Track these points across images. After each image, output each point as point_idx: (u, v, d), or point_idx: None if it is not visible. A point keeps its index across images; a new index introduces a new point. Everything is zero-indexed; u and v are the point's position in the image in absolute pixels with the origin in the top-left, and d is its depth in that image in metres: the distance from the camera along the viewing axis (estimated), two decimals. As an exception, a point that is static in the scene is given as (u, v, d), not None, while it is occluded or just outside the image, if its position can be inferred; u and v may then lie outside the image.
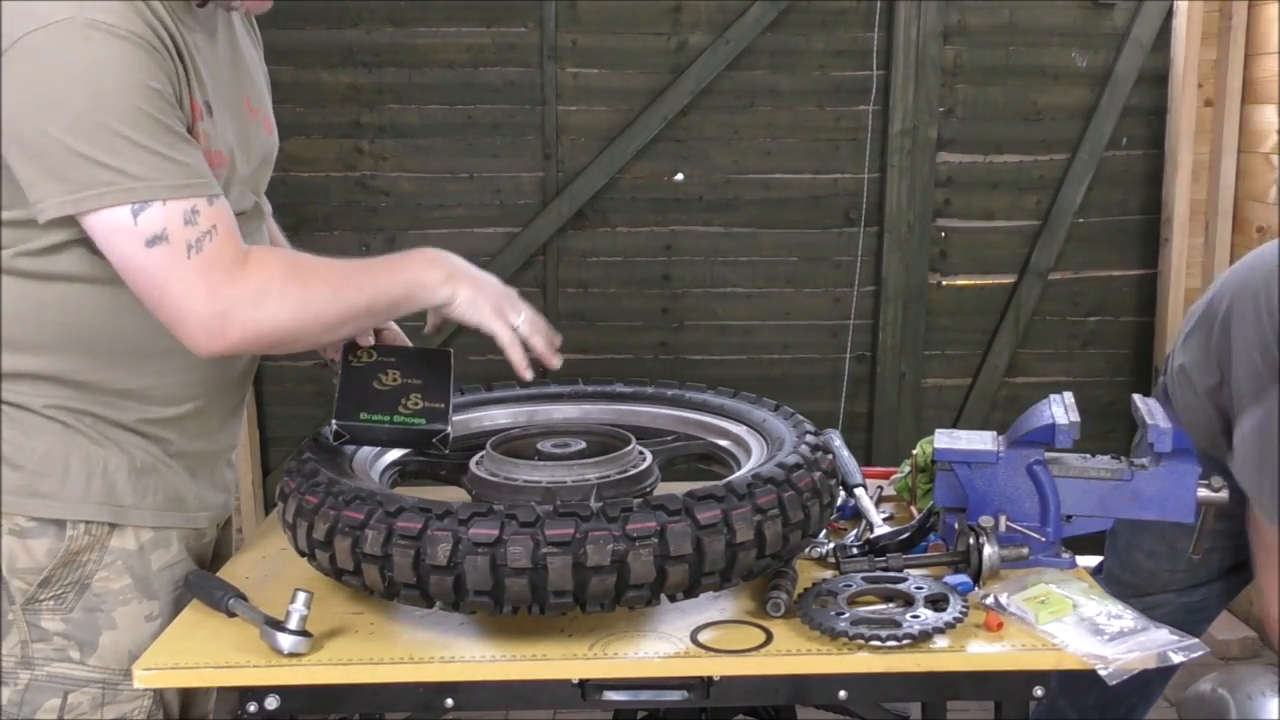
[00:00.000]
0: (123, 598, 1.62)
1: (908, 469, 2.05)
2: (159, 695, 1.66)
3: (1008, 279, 4.14)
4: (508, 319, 1.65)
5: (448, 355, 1.80)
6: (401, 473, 1.85)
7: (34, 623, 1.60)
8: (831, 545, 1.78)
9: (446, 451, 1.74)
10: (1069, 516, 1.78)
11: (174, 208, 1.43)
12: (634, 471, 1.68)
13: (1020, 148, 4.06)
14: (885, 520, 1.89)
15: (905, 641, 1.48)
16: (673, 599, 1.49)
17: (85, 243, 1.50)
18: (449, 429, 1.72)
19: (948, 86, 3.99)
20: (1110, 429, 4.11)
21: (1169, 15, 3.94)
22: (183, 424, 1.67)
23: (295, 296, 1.51)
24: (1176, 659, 1.49)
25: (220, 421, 1.74)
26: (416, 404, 1.73)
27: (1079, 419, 1.77)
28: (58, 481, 1.58)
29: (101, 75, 1.39)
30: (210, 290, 1.46)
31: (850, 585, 1.62)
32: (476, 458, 1.75)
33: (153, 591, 1.65)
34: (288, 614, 1.48)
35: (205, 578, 1.66)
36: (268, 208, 1.83)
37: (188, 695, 1.75)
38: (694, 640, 1.53)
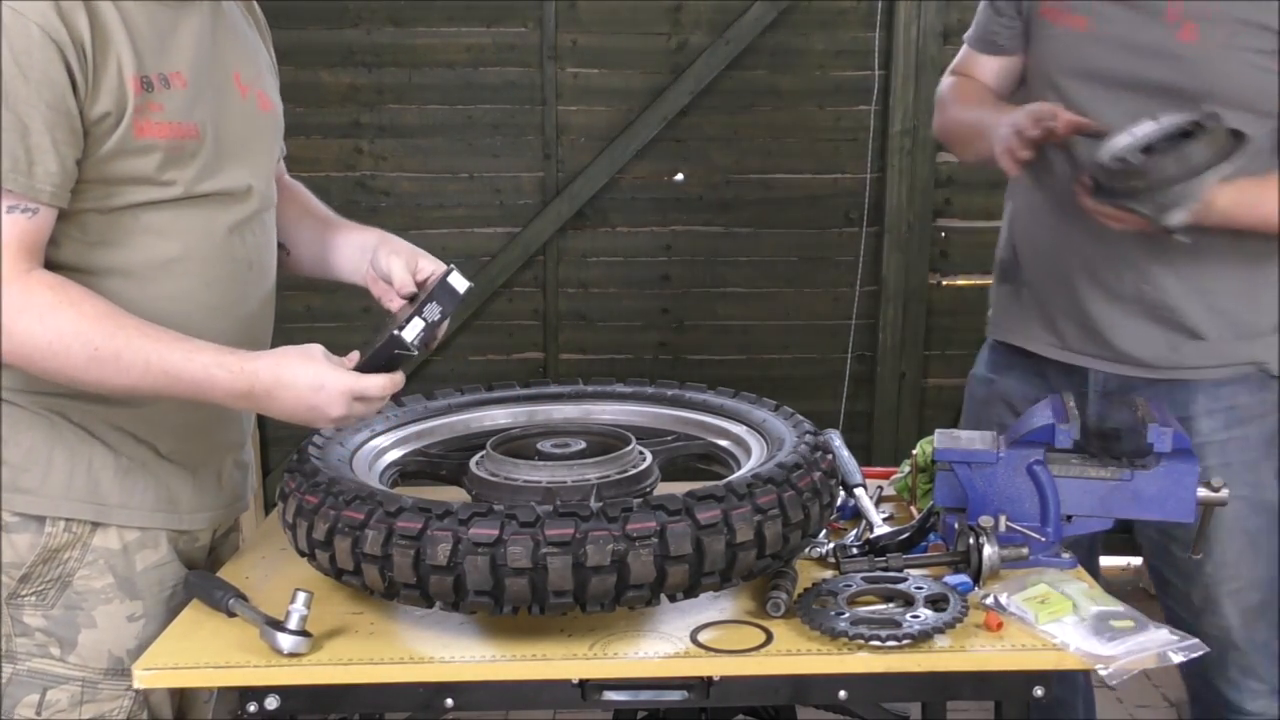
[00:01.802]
0: (104, 597, 1.62)
1: (908, 469, 2.05)
2: (144, 697, 1.64)
3: (1008, 279, 4.13)
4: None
5: (445, 271, 1.66)
6: (401, 473, 1.84)
7: (17, 617, 1.60)
8: (831, 545, 1.78)
9: (414, 352, 1.58)
10: (1069, 516, 1.78)
11: None
12: (634, 471, 1.68)
13: (1020, 148, 4.06)
14: (885, 520, 1.89)
15: (905, 641, 1.48)
16: (673, 599, 1.49)
17: (74, 235, 1.50)
18: (400, 331, 1.55)
19: (948, 86, 3.99)
20: (1110, 429, 4.10)
21: (1169, 15, 3.94)
22: (174, 423, 1.65)
23: (34, 340, 1.44)
24: (1176, 659, 1.49)
25: (215, 420, 1.71)
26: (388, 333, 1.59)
27: (1079, 419, 1.78)
28: (39, 477, 1.57)
29: None
30: None
31: (850, 585, 1.62)
32: (476, 458, 1.75)
33: (136, 592, 1.64)
34: (288, 614, 1.48)
35: (205, 578, 1.65)
36: (274, 193, 1.76)
37: (185, 700, 1.75)
38: (694, 640, 1.53)
